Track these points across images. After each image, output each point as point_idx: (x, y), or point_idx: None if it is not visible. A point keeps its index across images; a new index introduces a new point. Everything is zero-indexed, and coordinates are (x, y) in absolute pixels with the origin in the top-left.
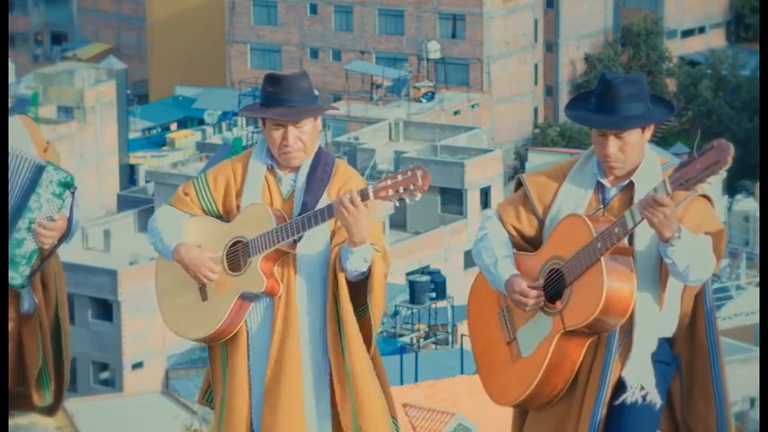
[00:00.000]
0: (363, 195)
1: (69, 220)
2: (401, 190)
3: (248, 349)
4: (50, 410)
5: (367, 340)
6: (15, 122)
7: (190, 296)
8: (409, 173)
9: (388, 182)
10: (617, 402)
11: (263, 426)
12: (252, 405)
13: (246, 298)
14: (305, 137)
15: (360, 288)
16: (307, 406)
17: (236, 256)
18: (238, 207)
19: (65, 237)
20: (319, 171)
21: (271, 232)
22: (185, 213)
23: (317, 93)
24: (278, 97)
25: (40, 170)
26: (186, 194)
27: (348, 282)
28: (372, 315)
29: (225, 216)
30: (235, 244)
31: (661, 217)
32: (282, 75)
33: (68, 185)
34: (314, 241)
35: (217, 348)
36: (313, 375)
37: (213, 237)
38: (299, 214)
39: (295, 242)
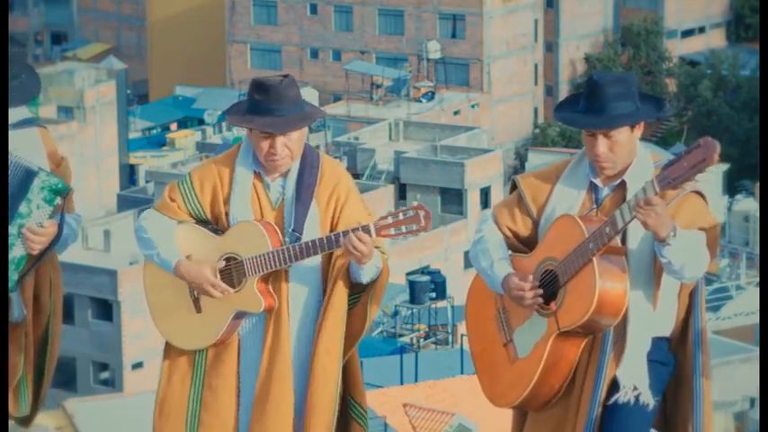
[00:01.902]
0: (366, 234)
1: (60, 226)
2: (404, 229)
3: (239, 355)
4: (24, 422)
5: (358, 332)
6: (34, 135)
7: (183, 306)
8: (411, 212)
9: (390, 220)
10: (609, 402)
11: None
12: (240, 411)
13: (241, 314)
14: (292, 144)
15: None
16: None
17: (229, 271)
18: (227, 214)
19: (54, 243)
20: (306, 175)
21: (268, 255)
22: (173, 220)
23: (304, 98)
24: (266, 107)
25: (31, 175)
26: (173, 200)
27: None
28: (370, 311)
29: (213, 221)
30: (227, 259)
31: (653, 216)
32: (271, 82)
33: (60, 192)
34: None
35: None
36: (303, 383)
37: (204, 249)
38: (293, 228)
39: None
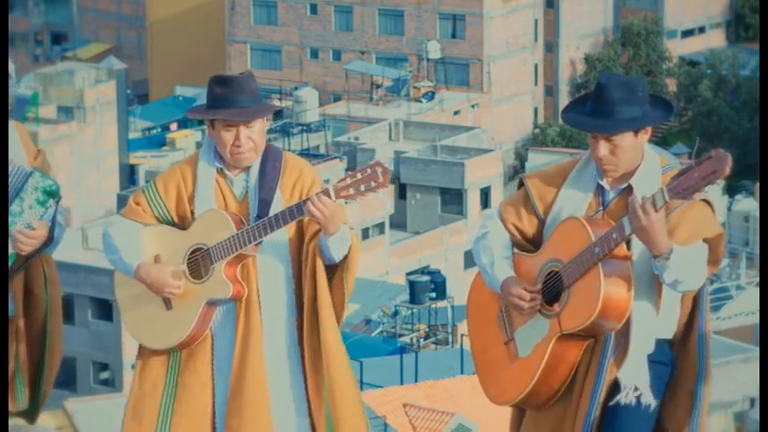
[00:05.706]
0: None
1: (51, 228)
2: (362, 188)
3: (212, 352)
4: (28, 418)
5: (337, 315)
6: (11, 128)
7: (153, 306)
8: (369, 170)
9: (348, 181)
10: (611, 403)
11: (229, 427)
12: (215, 407)
13: (212, 304)
14: (255, 136)
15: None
16: (273, 405)
17: (196, 263)
18: (192, 213)
19: (46, 245)
20: (269, 167)
21: (233, 237)
22: (139, 223)
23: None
24: (228, 99)
25: (26, 176)
26: (138, 204)
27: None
28: (347, 283)
29: (179, 222)
30: (194, 251)
31: (643, 227)
32: (231, 76)
33: (53, 194)
34: (274, 240)
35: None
36: (281, 372)
37: (171, 246)
38: (257, 214)
39: (257, 244)
